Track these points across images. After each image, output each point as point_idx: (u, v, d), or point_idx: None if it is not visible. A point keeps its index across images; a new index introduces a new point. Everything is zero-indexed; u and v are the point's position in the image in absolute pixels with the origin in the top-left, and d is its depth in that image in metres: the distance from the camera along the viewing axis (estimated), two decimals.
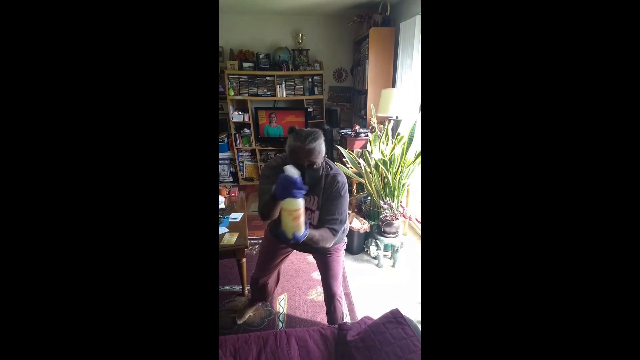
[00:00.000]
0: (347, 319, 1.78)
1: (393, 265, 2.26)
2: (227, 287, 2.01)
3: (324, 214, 1.24)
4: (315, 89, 3.67)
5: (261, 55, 3.54)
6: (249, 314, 1.77)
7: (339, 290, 1.50)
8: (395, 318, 1.03)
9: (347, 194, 1.27)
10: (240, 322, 1.72)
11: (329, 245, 1.24)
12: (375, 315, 1.23)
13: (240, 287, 1.93)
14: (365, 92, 3.07)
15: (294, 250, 1.54)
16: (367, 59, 2.94)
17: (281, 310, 1.83)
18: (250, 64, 3.52)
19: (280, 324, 1.74)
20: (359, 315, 1.77)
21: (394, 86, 2.95)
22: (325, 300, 1.55)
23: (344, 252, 1.52)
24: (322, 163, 1.19)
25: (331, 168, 1.27)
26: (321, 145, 1.14)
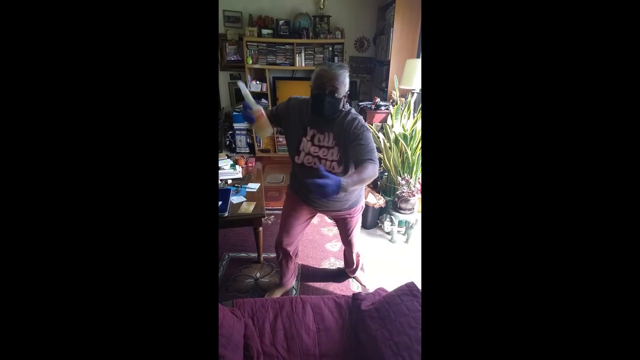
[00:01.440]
0: (359, 289, 1.82)
1: (406, 242, 2.26)
2: (244, 254, 2.08)
3: (358, 155, 1.15)
4: (336, 58, 3.53)
5: (281, 22, 3.41)
6: (278, 294, 1.73)
7: (358, 247, 1.66)
8: (410, 290, 1.04)
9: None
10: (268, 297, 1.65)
11: (375, 174, 1.18)
12: (388, 288, 1.25)
13: (257, 255, 1.99)
14: (388, 63, 2.93)
15: (315, 217, 1.60)
16: (393, 26, 2.77)
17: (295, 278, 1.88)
18: (270, 31, 3.40)
19: (294, 291, 1.80)
20: (370, 288, 1.81)
21: (418, 57, 2.80)
22: (345, 254, 1.76)
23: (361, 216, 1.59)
24: (343, 98, 1.18)
25: (350, 110, 1.24)
26: (346, 77, 1.14)
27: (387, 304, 1.00)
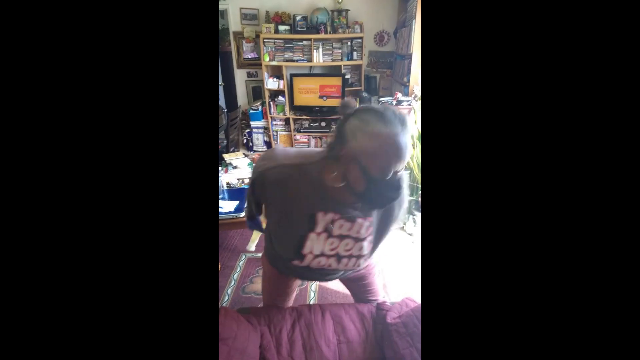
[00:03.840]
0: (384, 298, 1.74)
1: None
2: (258, 255, 2.04)
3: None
4: (354, 53, 3.43)
5: (298, 18, 3.34)
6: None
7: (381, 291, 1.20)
8: None
9: None
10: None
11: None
12: (411, 292, 1.16)
13: None
14: (410, 57, 2.80)
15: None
16: (415, 18, 2.64)
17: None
18: (287, 27, 3.34)
19: (312, 294, 1.74)
20: (391, 291, 1.72)
21: None
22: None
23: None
24: None
25: None
26: None
27: (415, 318, 0.91)
